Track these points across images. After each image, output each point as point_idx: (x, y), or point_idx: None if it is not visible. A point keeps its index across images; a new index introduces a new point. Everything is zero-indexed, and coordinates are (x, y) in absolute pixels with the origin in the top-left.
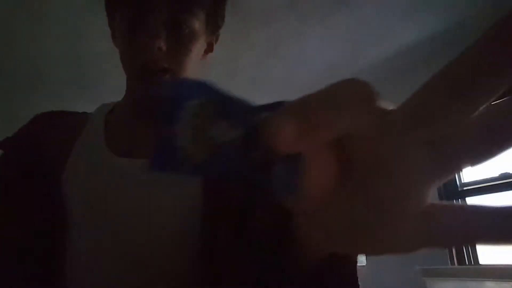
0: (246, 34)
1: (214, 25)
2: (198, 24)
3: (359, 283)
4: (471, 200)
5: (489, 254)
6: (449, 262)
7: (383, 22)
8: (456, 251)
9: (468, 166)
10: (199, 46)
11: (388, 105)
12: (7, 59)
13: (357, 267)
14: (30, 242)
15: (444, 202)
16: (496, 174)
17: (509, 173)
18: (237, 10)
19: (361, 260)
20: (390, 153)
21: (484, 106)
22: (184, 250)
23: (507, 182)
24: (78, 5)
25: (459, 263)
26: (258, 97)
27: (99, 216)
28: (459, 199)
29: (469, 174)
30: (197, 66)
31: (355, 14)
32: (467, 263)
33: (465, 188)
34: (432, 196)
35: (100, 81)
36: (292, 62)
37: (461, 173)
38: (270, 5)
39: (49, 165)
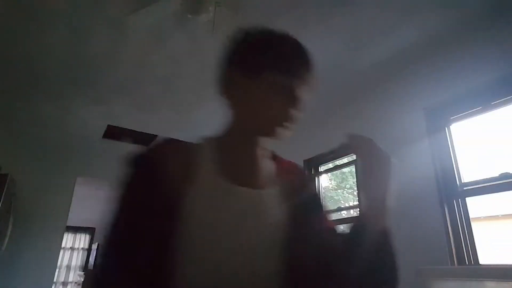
0: None
1: None
2: None
3: None
4: (471, 200)
5: (489, 254)
6: (449, 262)
7: (383, 22)
8: (456, 251)
9: None
10: None
11: None
12: (7, 59)
13: None
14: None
15: None
16: (496, 174)
17: (509, 173)
18: (237, 9)
19: None
20: None
21: None
22: (274, 263)
23: (507, 182)
24: (79, 5)
25: (459, 263)
26: None
27: (213, 228)
28: (459, 199)
29: (469, 174)
30: None
31: (355, 14)
32: (467, 263)
33: (465, 188)
34: (432, 197)
35: (100, 81)
36: None
37: (461, 173)
38: (270, 5)
39: (171, 182)
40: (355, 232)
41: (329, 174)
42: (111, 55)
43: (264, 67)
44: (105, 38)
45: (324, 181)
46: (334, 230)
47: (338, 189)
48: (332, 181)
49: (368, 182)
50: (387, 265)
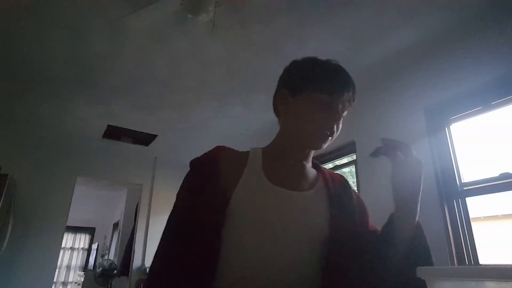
0: (246, 34)
1: None
2: None
3: None
4: (471, 200)
5: (489, 254)
6: (449, 262)
7: (383, 22)
8: (456, 251)
9: None
10: None
11: None
12: (7, 59)
13: None
14: (202, 228)
15: None
16: (496, 174)
17: (509, 173)
18: (237, 9)
19: None
20: None
21: None
22: (312, 263)
23: (507, 182)
24: (79, 5)
25: (459, 263)
26: (258, 97)
27: (257, 224)
28: (459, 199)
29: (469, 174)
30: None
31: (355, 14)
32: (467, 263)
33: (465, 188)
34: (432, 197)
35: (100, 81)
36: None
37: (461, 173)
38: (270, 5)
39: (223, 183)
40: (392, 226)
41: None
42: (111, 55)
43: (308, 86)
44: (105, 38)
45: None
46: (376, 231)
47: None
48: None
49: (404, 183)
50: (424, 250)
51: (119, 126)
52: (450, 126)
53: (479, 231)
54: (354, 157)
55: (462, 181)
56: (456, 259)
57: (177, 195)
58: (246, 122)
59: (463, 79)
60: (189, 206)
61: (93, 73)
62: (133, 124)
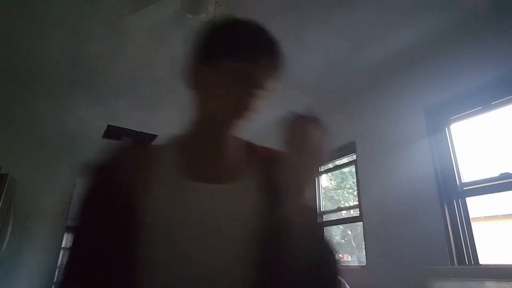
0: None
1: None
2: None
3: (360, 283)
4: (471, 200)
5: (489, 254)
6: (449, 262)
7: (383, 22)
8: (456, 251)
9: None
10: None
11: None
12: (7, 59)
13: (358, 267)
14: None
15: None
16: (496, 174)
17: (509, 173)
18: (237, 9)
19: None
20: None
21: None
22: (239, 263)
23: (507, 182)
24: (79, 5)
25: (459, 263)
26: None
27: (177, 231)
28: (459, 199)
29: (469, 174)
30: None
31: (355, 14)
32: (467, 263)
33: (465, 188)
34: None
35: (100, 81)
36: (292, 62)
37: (461, 173)
38: (270, 5)
39: (129, 191)
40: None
41: (329, 174)
42: (111, 55)
43: (220, 53)
44: (105, 38)
45: (324, 181)
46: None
47: (338, 189)
48: (332, 181)
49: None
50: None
51: (119, 126)
52: (450, 126)
53: (479, 231)
54: (354, 157)
55: (462, 181)
56: (456, 259)
57: (77, 214)
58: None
59: (463, 79)
60: (93, 229)
61: (93, 73)
62: (133, 124)
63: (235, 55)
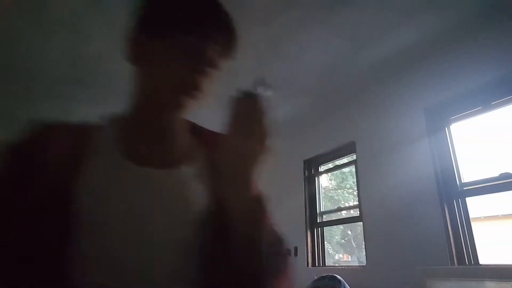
0: (246, 34)
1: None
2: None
3: (360, 283)
4: (471, 200)
5: (489, 254)
6: (449, 262)
7: (383, 22)
8: (456, 251)
9: None
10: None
11: None
12: (7, 59)
13: (358, 267)
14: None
15: None
16: (496, 174)
17: (509, 173)
18: (237, 9)
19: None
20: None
21: None
22: (181, 254)
23: (507, 182)
24: (78, 5)
25: (459, 263)
26: None
27: (113, 218)
28: (459, 199)
29: (469, 174)
30: None
31: (355, 14)
32: (467, 263)
33: (465, 188)
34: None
35: (100, 81)
36: (292, 62)
37: (461, 173)
38: (270, 5)
39: (56, 172)
40: None
41: (329, 174)
42: (111, 55)
43: (167, 25)
44: (105, 38)
45: (324, 181)
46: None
47: (338, 189)
48: (332, 181)
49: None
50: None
51: None
52: (450, 126)
53: (479, 231)
54: (354, 157)
55: (462, 181)
56: (456, 259)
57: None
58: None
59: (463, 79)
60: (13, 214)
61: (93, 73)
62: None
63: (184, 27)
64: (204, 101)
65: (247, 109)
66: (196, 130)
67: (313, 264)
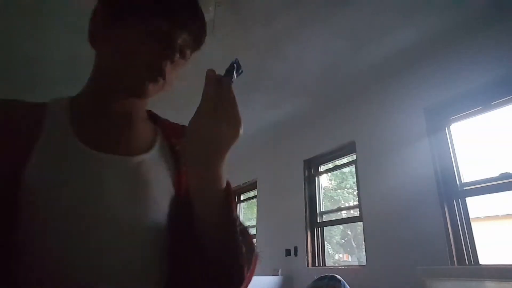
0: (246, 34)
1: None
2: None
3: (360, 283)
4: (471, 200)
5: (489, 254)
6: (449, 262)
7: (383, 22)
8: (456, 251)
9: None
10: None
11: None
12: (7, 59)
13: (358, 267)
14: None
15: None
16: (496, 174)
17: (509, 173)
18: (237, 9)
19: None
20: None
21: None
22: (147, 248)
23: (507, 182)
24: (79, 5)
25: (459, 263)
26: (258, 97)
27: (65, 206)
28: (459, 199)
29: (469, 174)
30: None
31: (355, 14)
32: (467, 263)
33: (465, 188)
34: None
35: None
36: (292, 62)
37: (461, 173)
38: (270, 5)
39: (5, 156)
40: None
41: (329, 174)
42: None
43: (133, 7)
44: None
45: (324, 181)
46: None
47: (338, 189)
48: (332, 181)
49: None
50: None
51: None
52: (450, 126)
53: (479, 231)
54: (354, 157)
55: (462, 181)
56: (456, 259)
57: None
58: (246, 122)
59: (463, 79)
60: None
61: None
62: None
63: (155, 10)
64: (167, 89)
65: (219, 92)
66: (156, 119)
67: (313, 264)
